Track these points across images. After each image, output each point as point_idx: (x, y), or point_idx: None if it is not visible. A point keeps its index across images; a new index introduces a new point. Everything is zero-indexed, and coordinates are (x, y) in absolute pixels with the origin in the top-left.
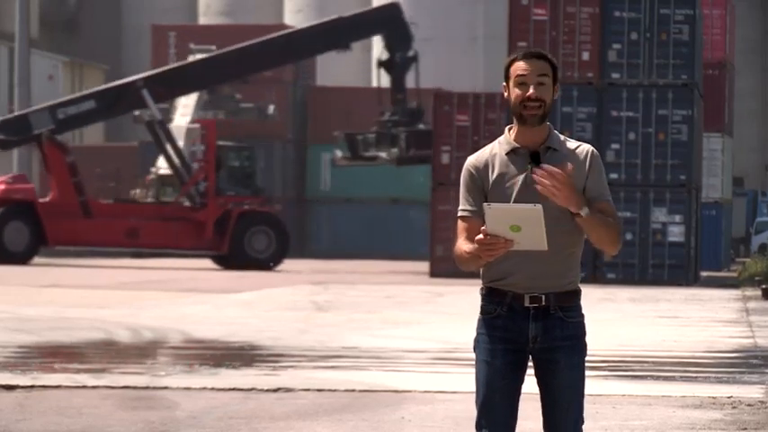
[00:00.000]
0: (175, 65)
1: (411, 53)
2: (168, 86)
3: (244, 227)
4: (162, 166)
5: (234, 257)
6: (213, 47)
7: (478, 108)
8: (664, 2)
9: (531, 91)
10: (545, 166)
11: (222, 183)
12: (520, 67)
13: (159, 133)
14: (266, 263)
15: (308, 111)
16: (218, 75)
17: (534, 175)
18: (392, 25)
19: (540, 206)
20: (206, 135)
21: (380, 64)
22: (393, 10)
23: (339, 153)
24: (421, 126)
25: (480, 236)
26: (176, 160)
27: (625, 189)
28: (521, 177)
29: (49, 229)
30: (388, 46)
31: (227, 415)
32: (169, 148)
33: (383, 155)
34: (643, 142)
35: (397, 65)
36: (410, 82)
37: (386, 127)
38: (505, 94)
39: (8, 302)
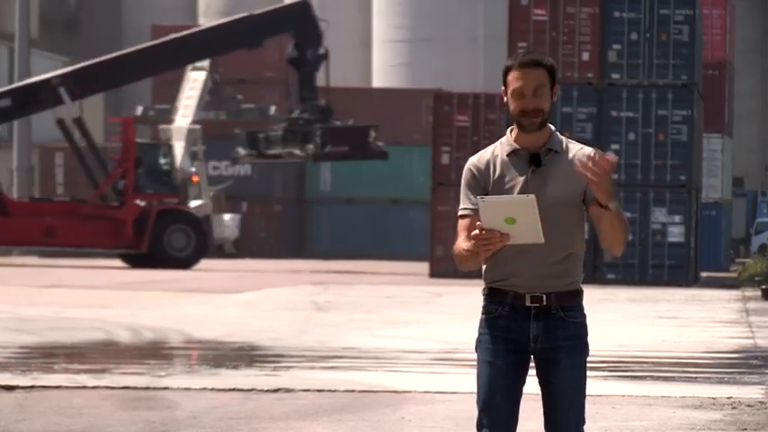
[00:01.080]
0: (89, 62)
1: (321, 51)
2: (83, 84)
3: (163, 225)
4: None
5: (153, 256)
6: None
7: (478, 108)
8: (664, 2)
9: (527, 103)
10: (596, 152)
11: (141, 181)
12: (516, 77)
13: (72, 131)
14: (185, 262)
15: None
16: (132, 72)
17: (579, 160)
18: (302, 23)
19: (533, 196)
20: (123, 132)
21: (290, 61)
22: (303, 7)
23: (242, 151)
24: (337, 123)
25: (476, 231)
26: (93, 158)
27: (625, 189)
28: (521, 179)
29: None
30: (298, 44)
31: (227, 415)
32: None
33: (296, 152)
34: (643, 142)
35: (307, 62)
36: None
37: (296, 125)
38: (504, 98)
39: (8, 302)
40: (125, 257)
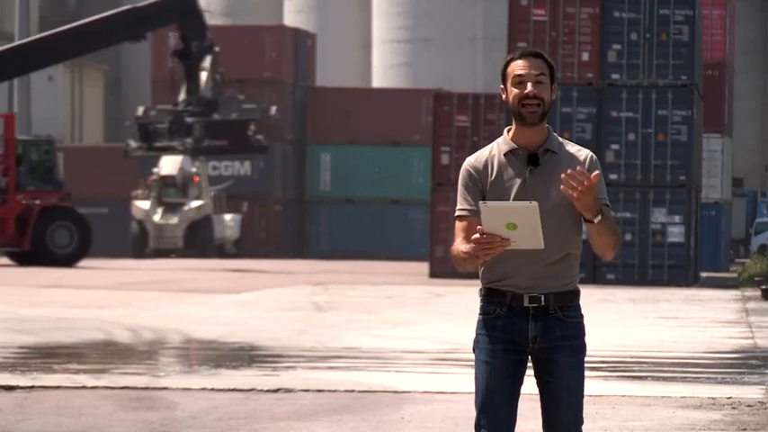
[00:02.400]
0: None
1: (207, 42)
2: None
3: (46, 222)
4: (164, 167)
5: (36, 254)
6: (216, 48)
7: (478, 108)
8: (663, 2)
9: (529, 89)
10: (578, 169)
11: (23, 178)
12: (517, 65)
13: None
14: (68, 259)
15: (307, 111)
16: (21, 65)
17: (563, 175)
18: (186, 14)
19: (535, 203)
20: (5, 130)
21: (175, 54)
22: None
23: (133, 143)
24: (215, 116)
25: (477, 235)
26: None
27: (624, 190)
28: (519, 179)
29: None
30: (183, 36)
31: (226, 415)
32: None
33: (177, 145)
34: (643, 143)
35: (192, 54)
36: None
37: (180, 117)
38: (503, 95)
39: (8, 303)
40: (11, 255)
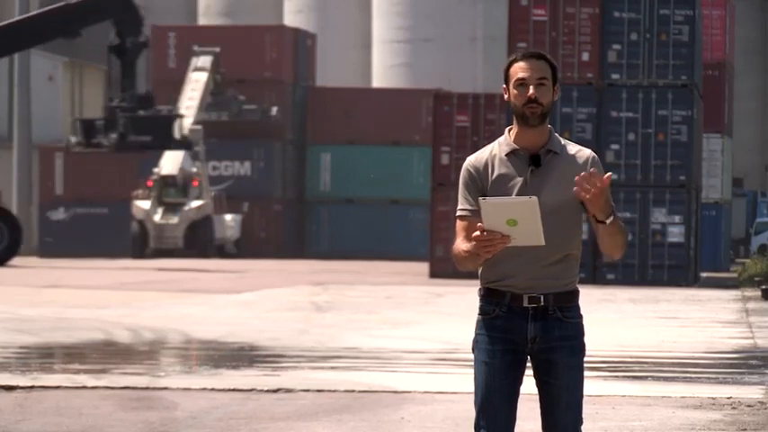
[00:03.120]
0: None
1: (142, 39)
2: None
3: None
4: (164, 167)
5: None
6: (217, 48)
7: (478, 108)
8: (663, 2)
9: (530, 91)
10: (592, 170)
11: None
12: (520, 67)
13: None
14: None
15: (307, 111)
16: None
17: (576, 178)
18: (121, 10)
19: (535, 198)
20: None
21: (111, 49)
22: None
23: (73, 139)
24: (140, 112)
25: (477, 233)
26: None
27: (625, 190)
28: (520, 180)
29: None
30: (119, 31)
31: (227, 415)
32: None
33: (104, 141)
34: (643, 143)
35: (127, 50)
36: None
37: (114, 113)
38: (506, 96)
39: (8, 303)
40: None
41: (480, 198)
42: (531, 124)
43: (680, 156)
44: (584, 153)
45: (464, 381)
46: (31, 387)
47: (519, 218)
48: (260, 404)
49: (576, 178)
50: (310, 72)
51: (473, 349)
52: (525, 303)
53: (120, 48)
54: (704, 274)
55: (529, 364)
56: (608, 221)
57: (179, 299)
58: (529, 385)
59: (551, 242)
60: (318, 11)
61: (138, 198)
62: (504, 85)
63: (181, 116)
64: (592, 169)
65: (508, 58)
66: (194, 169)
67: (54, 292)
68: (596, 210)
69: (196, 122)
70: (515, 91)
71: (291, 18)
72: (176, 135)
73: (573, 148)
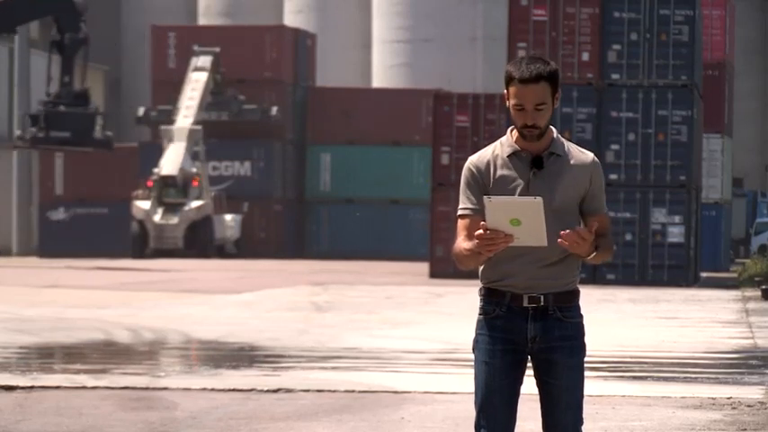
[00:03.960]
0: None
1: (81, 35)
2: None
3: None
4: (164, 167)
5: None
6: (217, 48)
7: (478, 109)
8: (663, 2)
9: (527, 120)
10: (579, 229)
11: None
12: (517, 93)
13: None
14: None
15: (307, 111)
16: None
17: (562, 233)
18: (60, 6)
19: (540, 198)
20: None
21: (52, 44)
22: None
23: (17, 133)
24: (61, 108)
25: (480, 231)
26: None
27: (625, 190)
28: (522, 181)
29: None
30: (59, 27)
31: (227, 415)
32: None
33: (24, 135)
34: (643, 143)
35: (66, 46)
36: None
37: (51, 110)
38: (507, 103)
39: (8, 303)
40: None
41: (485, 197)
42: (529, 140)
43: (680, 156)
44: (586, 157)
45: (464, 381)
46: (31, 387)
47: (523, 217)
48: (260, 404)
49: (561, 233)
50: (310, 72)
51: (473, 349)
52: (525, 303)
53: (59, 44)
54: (704, 275)
55: (529, 364)
56: (590, 257)
57: (179, 299)
58: (529, 385)
59: (552, 243)
60: (318, 11)
61: (138, 198)
62: (506, 93)
63: (102, 114)
64: (577, 228)
65: (509, 67)
66: (194, 169)
67: (54, 292)
68: (579, 252)
69: (196, 122)
70: (513, 110)
71: (291, 18)
72: (98, 135)
73: (575, 150)
